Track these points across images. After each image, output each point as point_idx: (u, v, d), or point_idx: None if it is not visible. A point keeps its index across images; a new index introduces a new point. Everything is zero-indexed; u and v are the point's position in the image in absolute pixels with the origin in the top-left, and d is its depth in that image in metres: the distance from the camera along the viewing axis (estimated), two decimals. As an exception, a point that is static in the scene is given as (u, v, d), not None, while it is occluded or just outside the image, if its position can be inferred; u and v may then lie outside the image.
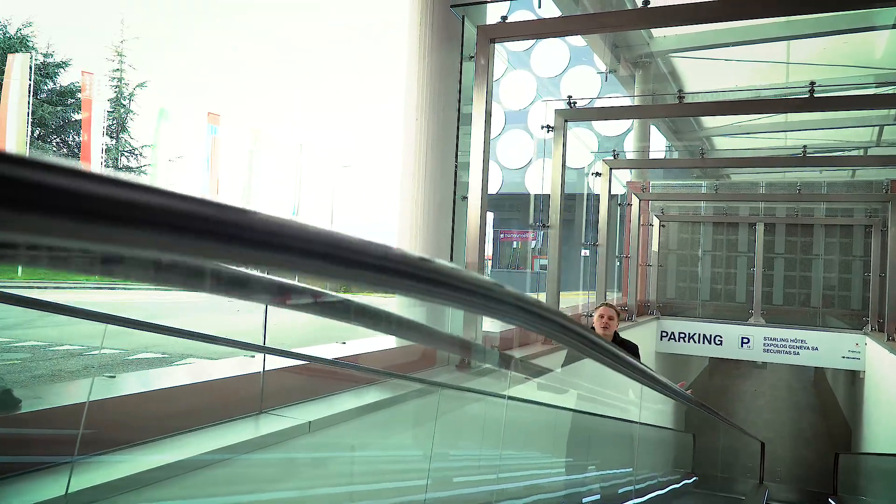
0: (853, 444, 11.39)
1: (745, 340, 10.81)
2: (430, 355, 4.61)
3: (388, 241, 0.67)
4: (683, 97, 6.55)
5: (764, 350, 10.71)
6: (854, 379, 11.44)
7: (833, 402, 15.16)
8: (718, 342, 10.96)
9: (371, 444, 3.32)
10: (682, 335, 11.16)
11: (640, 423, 4.62)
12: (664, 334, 11.27)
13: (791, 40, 9.92)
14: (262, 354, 2.79)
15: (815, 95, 5.90)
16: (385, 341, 4.57)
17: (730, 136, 13.40)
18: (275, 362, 2.92)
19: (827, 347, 10.46)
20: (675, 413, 10.43)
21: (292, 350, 3.15)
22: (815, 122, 11.89)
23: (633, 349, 4.46)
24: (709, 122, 13.13)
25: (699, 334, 11.09)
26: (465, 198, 4.83)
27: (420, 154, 4.89)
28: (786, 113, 9.83)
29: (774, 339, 10.67)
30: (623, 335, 8.62)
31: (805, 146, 7.91)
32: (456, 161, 4.88)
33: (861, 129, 11.95)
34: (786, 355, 10.65)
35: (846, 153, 12.61)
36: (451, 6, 4.78)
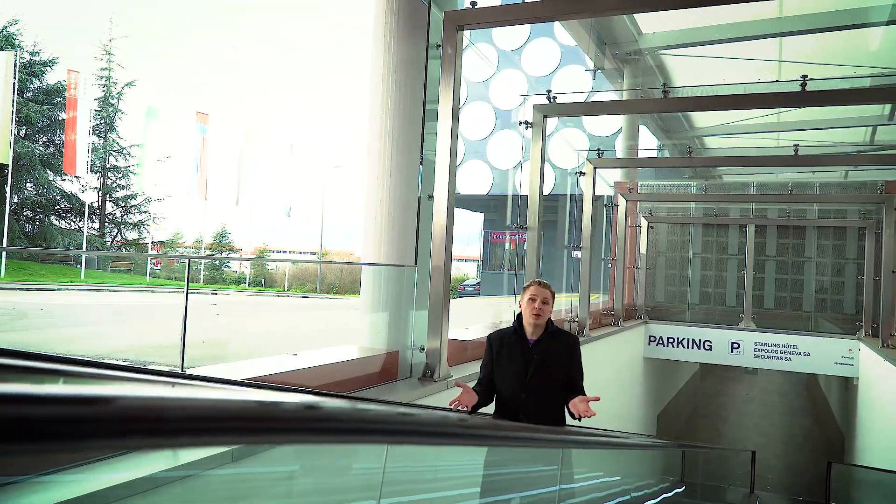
0: (846, 451, 11.11)
1: (736, 345, 10.51)
2: (390, 368, 4.29)
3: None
4: (668, 91, 6.24)
5: (755, 355, 10.41)
6: (847, 385, 11.16)
7: (826, 408, 14.89)
8: (708, 347, 10.66)
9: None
10: (671, 340, 10.86)
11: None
12: (652, 339, 10.97)
13: (783, 37, 9.67)
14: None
15: (808, 90, 5.60)
16: (344, 352, 4.25)
17: (721, 135, 13.14)
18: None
19: (819, 353, 10.17)
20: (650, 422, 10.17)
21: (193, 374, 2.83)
22: (808, 122, 11.63)
23: (570, 344, 3.39)
24: (700, 121, 12.86)
25: (688, 339, 10.79)
26: (431, 196, 4.52)
27: (384, 150, 4.58)
28: (777, 109, 9.57)
29: (765, 345, 10.37)
30: (608, 341, 8.34)
31: (797, 144, 7.62)
32: (421, 158, 4.57)
33: (854, 130, 11.69)
34: (777, 361, 10.36)
35: (839, 152, 12.36)
36: (416, -8, 4.47)
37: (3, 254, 26.20)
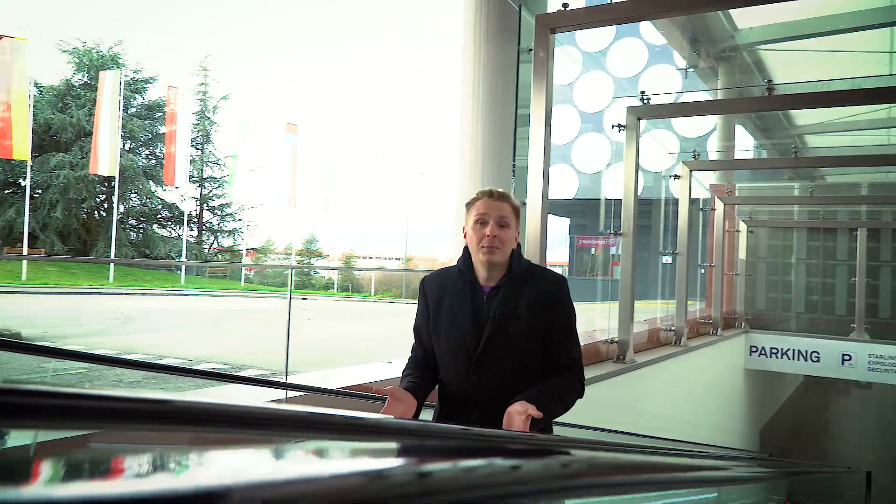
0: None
1: (847, 357, 9.86)
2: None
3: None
4: (773, 89, 5.91)
5: (868, 368, 9.73)
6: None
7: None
8: (815, 359, 10.04)
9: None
10: (774, 351, 10.30)
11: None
12: (753, 349, 10.44)
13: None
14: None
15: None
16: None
17: (826, 133, 12.43)
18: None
19: (943, 366, 9.42)
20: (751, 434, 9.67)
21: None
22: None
23: (550, 290, 2.09)
24: (801, 119, 12.21)
25: (793, 350, 10.19)
26: (524, 203, 4.43)
27: (476, 156, 4.53)
28: (890, 105, 8.96)
29: (881, 357, 9.67)
30: (706, 351, 7.97)
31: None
32: (514, 163, 4.49)
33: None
34: (894, 374, 9.64)
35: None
36: (507, -5, 4.40)
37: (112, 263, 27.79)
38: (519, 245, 2.19)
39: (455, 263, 2.24)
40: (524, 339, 2.06)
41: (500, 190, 2.14)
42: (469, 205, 2.16)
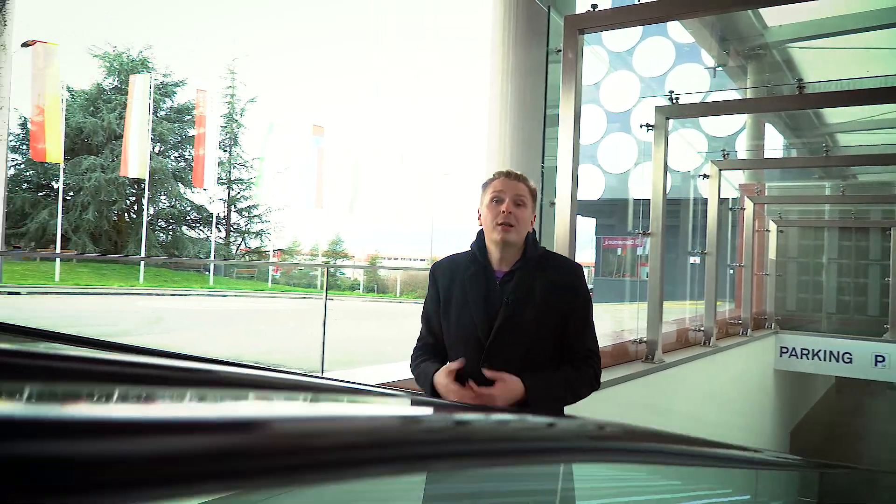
0: None
1: (880, 359, 9.69)
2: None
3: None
4: (804, 88, 5.86)
5: (903, 369, 9.58)
6: None
7: None
8: (847, 360, 9.90)
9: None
10: (805, 352, 10.16)
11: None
12: (784, 350, 10.32)
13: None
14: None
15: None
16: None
17: (857, 132, 12.24)
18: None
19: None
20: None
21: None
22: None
23: (567, 277, 2.03)
24: (833, 117, 12.04)
25: (825, 351, 10.05)
26: (553, 203, 4.45)
27: (505, 157, 4.56)
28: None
29: (916, 358, 9.52)
30: (736, 351, 7.91)
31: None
32: (542, 165, 4.51)
33: None
34: (929, 376, 9.48)
35: None
36: (535, -4, 4.42)
37: (142, 261, 28.23)
38: (534, 230, 2.11)
39: (468, 249, 2.15)
40: (537, 327, 1.97)
41: (518, 171, 2.09)
42: (485, 185, 2.10)
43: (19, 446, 0.26)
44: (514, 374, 1.87)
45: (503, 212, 1.97)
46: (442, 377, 1.91)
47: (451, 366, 1.91)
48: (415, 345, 2.17)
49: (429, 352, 2.11)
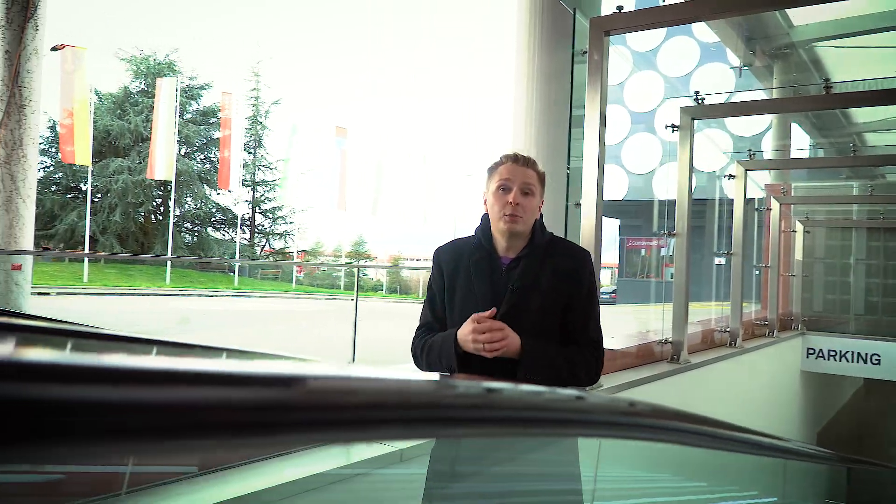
0: None
1: (910, 360, 9.59)
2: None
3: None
4: (831, 87, 5.82)
5: (932, 371, 9.46)
6: None
7: None
8: (876, 361, 9.78)
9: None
10: (832, 353, 10.06)
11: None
12: (811, 351, 10.22)
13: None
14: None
15: None
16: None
17: (886, 131, 12.09)
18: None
19: None
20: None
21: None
22: None
23: (573, 264, 1.96)
24: (861, 116, 11.90)
25: (852, 352, 9.94)
26: (578, 205, 4.47)
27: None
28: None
29: (946, 359, 9.39)
30: (762, 353, 7.87)
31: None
32: (568, 166, 4.54)
33: None
34: (960, 378, 9.34)
35: None
36: (561, -1, 4.45)
37: (169, 262, 28.61)
38: (542, 215, 2.03)
39: (472, 233, 2.07)
40: (543, 315, 1.91)
41: (526, 154, 2.01)
42: (491, 169, 2.01)
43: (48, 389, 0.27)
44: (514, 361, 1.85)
45: (510, 202, 1.90)
46: (466, 326, 1.85)
47: (477, 316, 1.85)
48: (416, 332, 2.10)
49: (434, 332, 2.03)
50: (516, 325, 1.85)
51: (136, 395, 0.30)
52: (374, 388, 0.41)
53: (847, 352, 10.00)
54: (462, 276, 1.97)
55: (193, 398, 0.31)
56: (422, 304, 2.12)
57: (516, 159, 1.96)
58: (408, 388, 0.43)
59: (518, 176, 1.92)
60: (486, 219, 2.01)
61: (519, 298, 1.89)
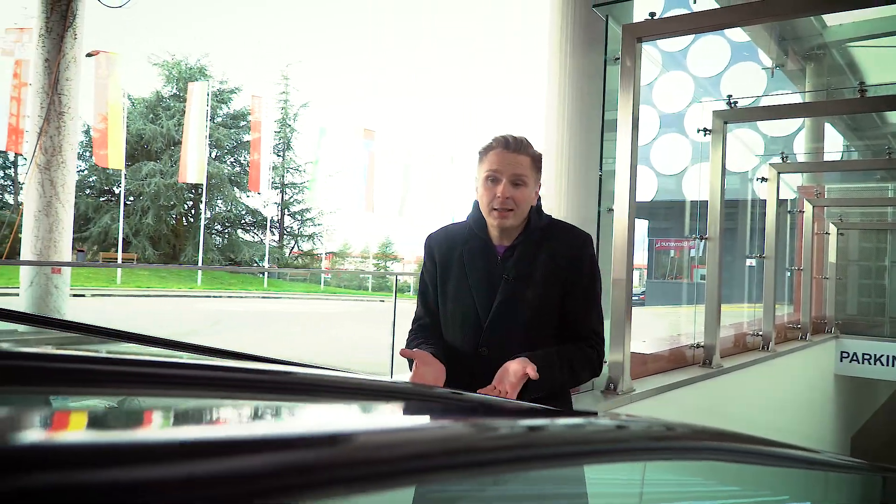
0: None
1: (946, 365, 9.44)
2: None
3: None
4: (865, 90, 5.77)
5: (971, 376, 9.29)
6: None
7: None
8: (912, 365, 9.65)
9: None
10: (867, 357, 9.93)
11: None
12: (845, 355, 10.09)
13: None
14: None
15: None
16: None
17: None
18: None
19: None
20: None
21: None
22: None
23: (572, 250, 1.79)
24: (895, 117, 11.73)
25: (888, 356, 9.81)
26: (610, 209, 4.50)
27: (561, 164, 4.63)
28: None
29: (985, 364, 9.23)
30: (795, 356, 7.80)
31: None
32: (600, 170, 4.57)
33: None
34: None
35: None
36: (594, 6, 4.48)
37: (200, 263, 29.02)
38: (540, 199, 1.85)
39: (464, 220, 1.93)
40: (540, 305, 1.77)
41: (519, 137, 1.80)
42: (482, 154, 1.83)
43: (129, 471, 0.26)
44: (510, 355, 1.68)
45: (498, 196, 1.74)
46: (438, 373, 1.72)
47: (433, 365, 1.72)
48: (409, 330, 1.97)
49: (426, 333, 1.90)
50: (513, 316, 1.76)
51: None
52: (414, 438, 0.40)
53: (882, 355, 9.87)
54: (456, 266, 1.85)
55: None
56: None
57: (507, 144, 1.77)
58: (448, 434, 0.44)
59: (508, 166, 1.75)
60: (477, 206, 1.85)
61: (514, 289, 1.77)
